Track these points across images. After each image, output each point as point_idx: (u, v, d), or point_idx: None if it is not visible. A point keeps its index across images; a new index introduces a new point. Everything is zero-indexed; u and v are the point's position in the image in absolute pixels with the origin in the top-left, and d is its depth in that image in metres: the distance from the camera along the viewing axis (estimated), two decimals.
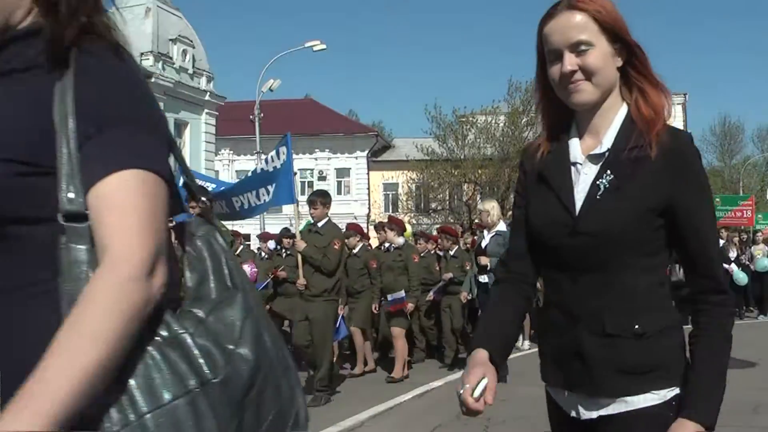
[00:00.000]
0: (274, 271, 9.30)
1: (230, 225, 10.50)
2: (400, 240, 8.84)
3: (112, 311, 1.03)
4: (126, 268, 1.06)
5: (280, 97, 37.38)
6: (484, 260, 7.77)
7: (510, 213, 13.78)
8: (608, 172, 1.72)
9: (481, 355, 1.84)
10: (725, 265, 14.46)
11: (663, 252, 1.77)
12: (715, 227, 1.82)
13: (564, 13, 1.74)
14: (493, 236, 7.82)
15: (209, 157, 31.89)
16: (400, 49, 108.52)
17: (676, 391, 1.71)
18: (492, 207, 8.08)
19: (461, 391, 1.80)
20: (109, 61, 1.21)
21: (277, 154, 7.99)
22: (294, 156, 33.44)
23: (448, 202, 34.88)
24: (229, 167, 42.66)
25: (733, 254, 14.47)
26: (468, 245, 10.52)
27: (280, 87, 28.23)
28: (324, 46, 27.64)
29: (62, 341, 1.02)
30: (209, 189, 9.46)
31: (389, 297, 8.40)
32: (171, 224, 1.24)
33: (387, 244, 9.09)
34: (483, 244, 7.98)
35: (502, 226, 7.91)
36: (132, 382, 1.07)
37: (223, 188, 9.64)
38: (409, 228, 12.31)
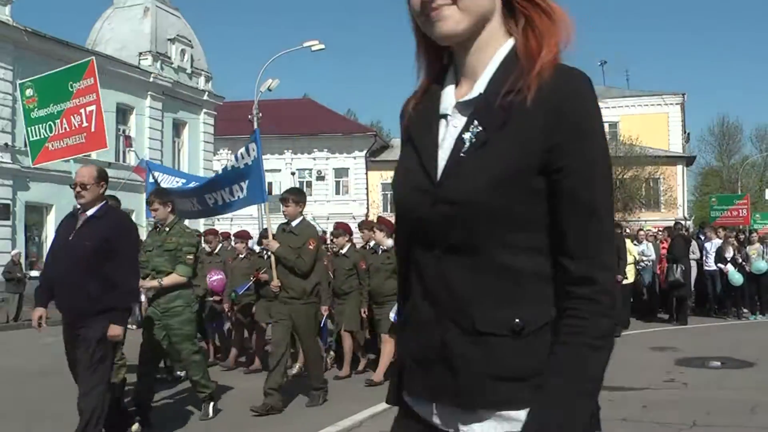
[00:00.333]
0: (256, 273, 8.94)
1: (230, 223, 10.37)
2: (389, 242, 8.45)
3: None
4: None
5: (279, 96, 37.43)
6: None
7: None
8: (475, 122, 1.36)
9: None
10: (721, 266, 14.45)
11: None
12: (607, 197, 1.36)
13: None
14: None
15: (208, 157, 31.89)
16: (399, 48, 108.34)
17: None
18: None
19: None
20: None
21: (247, 150, 7.71)
22: (292, 156, 33.68)
23: None
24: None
25: (729, 254, 14.44)
26: None
27: (278, 87, 28.17)
28: (322, 46, 27.62)
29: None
30: (179, 186, 9.23)
31: (391, 315, 7.84)
32: None
33: (372, 244, 8.76)
34: None
35: None
36: None
37: (193, 185, 9.28)
38: None
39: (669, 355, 9.74)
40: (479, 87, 1.37)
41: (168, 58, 29.23)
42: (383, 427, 6.16)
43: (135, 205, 24.15)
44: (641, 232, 15.35)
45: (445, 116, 1.42)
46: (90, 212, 4.94)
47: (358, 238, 9.88)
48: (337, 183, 43.49)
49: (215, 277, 9.49)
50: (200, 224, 24.68)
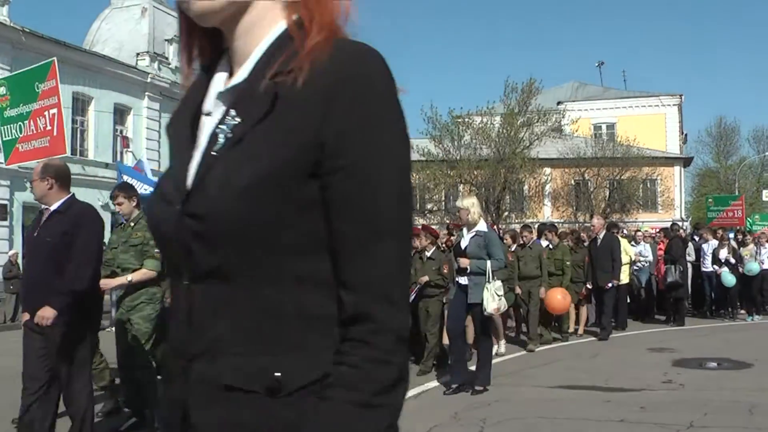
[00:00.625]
0: None
1: None
2: None
3: None
4: None
5: None
6: (464, 262, 7.30)
7: (506, 215, 13.78)
8: (232, 113, 1.09)
9: None
10: (716, 267, 14.41)
11: None
12: (399, 209, 1.05)
13: None
14: (473, 236, 7.37)
15: None
16: (396, 49, 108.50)
17: None
18: (472, 204, 7.48)
19: None
20: None
21: None
22: None
23: (443, 203, 34.85)
24: None
25: (723, 255, 14.43)
26: (444, 245, 9.92)
27: None
28: None
29: None
30: (145, 194, 8.79)
31: None
32: None
33: None
34: (462, 245, 7.49)
35: (482, 226, 7.49)
36: None
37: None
38: None
39: (666, 356, 9.74)
40: (243, 73, 1.12)
41: (165, 58, 29.21)
42: None
43: None
44: (638, 233, 15.35)
45: (209, 113, 1.16)
46: (53, 207, 4.84)
47: None
48: None
49: None
50: None
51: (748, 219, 24.37)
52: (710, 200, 24.31)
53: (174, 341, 1.13)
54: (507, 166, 32.35)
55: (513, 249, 11.00)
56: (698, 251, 15.00)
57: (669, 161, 40.45)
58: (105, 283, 5.59)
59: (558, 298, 10.73)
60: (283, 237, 1.03)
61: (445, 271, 8.70)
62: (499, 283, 7.31)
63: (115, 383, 6.49)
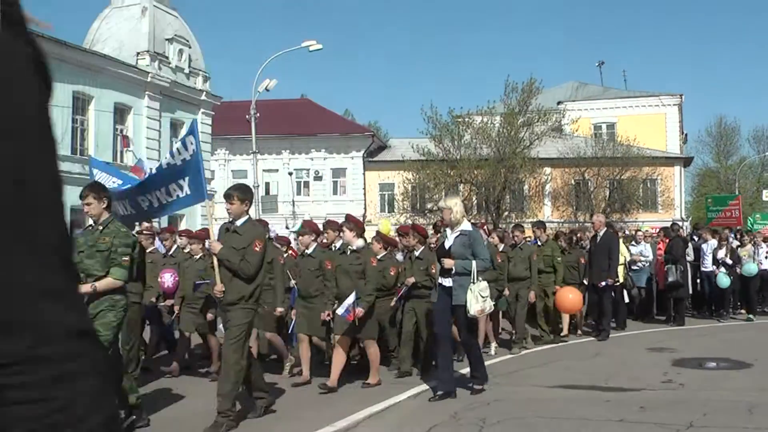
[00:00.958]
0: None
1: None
2: (360, 242, 7.96)
3: None
4: None
5: (277, 97, 37.38)
6: (448, 263, 7.10)
7: (506, 214, 13.78)
8: None
9: None
10: (713, 267, 14.38)
11: None
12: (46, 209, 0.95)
13: None
14: (457, 236, 7.21)
15: (205, 157, 31.65)
16: (397, 49, 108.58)
17: None
18: (455, 204, 7.35)
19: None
20: None
21: (185, 145, 7.06)
22: (290, 156, 33.64)
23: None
24: (225, 167, 42.60)
25: (720, 255, 14.40)
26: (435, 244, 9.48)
27: (276, 87, 28.21)
28: (320, 46, 27.63)
29: None
30: (115, 187, 8.28)
31: (339, 310, 7.48)
32: None
33: (338, 244, 8.18)
34: (447, 245, 7.29)
35: (466, 225, 7.34)
36: None
37: (128, 186, 8.27)
38: (388, 224, 11.48)
39: (666, 355, 9.74)
40: None
41: (166, 58, 29.20)
42: (381, 428, 6.16)
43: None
44: (639, 233, 15.35)
45: None
46: None
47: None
48: (335, 183, 43.49)
49: (167, 278, 8.86)
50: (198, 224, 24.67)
51: (749, 218, 24.35)
52: (710, 200, 24.31)
53: None
54: (507, 165, 32.37)
55: (502, 249, 10.69)
56: (697, 251, 14.99)
57: (669, 161, 40.47)
58: None
59: (569, 297, 10.58)
60: None
61: (433, 271, 8.37)
62: (484, 284, 7.12)
63: None
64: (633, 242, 14.74)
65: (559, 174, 38.19)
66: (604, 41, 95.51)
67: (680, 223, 20.67)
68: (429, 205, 34.74)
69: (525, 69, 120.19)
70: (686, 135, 51.11)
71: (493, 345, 10.07)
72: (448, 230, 7.41)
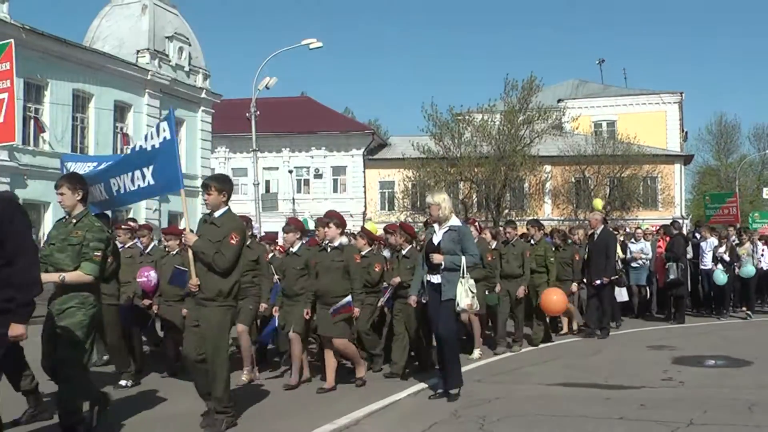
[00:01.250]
0: None
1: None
2: (344, 239, 7.79)
3: None
4: None
5: (277, 94, 37.41)
6: (437, 258, 6.94)
7: (506, 212, 13.64)
8: None
9: None
10: (712, 265, 14.35)
11: None
12: None
13: None
14: (446, 231, 7.07)
15: (205, 155, 31.87)
16: (397, 47, 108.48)
17: None
18: (443, 199, 7.20)
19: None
20: None
21: (157, 130, 6.75)
22: (290, 154, 33.57)
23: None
24: (225, 165, 42.61)
25: (718, 253, 14.37)
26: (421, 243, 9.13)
27: (276, 85, 28.19)
28: (320, 44, 27.61)
29: None
30: (90, 170, 7.79)
31: (332, 308, 7.43)
32: None
33: (326, 242, 7.86)
34: (435, 241, 7.12)
35: (455, 221, 7.17)
36: None
37: (103, 165, 7.68)
38: (374, 227, 11.08)
39: (666, 353, 9.74)
40: None
41: (166, 55, 29.20)
42: (381, 426, 6.16)
43: (133, 204, 24.11)
44: (639, 231, 15.34)
45: None
46: None
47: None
48: (335, 181, 43.51)
49: (144, 278, 8.52)
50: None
51: (749, 216, 24.35)
52: (707, 197, 24.29)
53: None
54: (507, 163, 32.38)
55: (494, 247, 10.44)
56: (696, 248, 14.96)
57: (669, 159, 40.50)
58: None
59: (554, 298, 10.32)
60: None
61: None
62: (472, 281, 7.04)
63: (38, 387, 6.14)
64: (632, 240, 14.73)
65: (559, 172, 38.21)
66: (604, 39, 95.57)
67: (680, 221, 20.67)
68: None
69: (525, 67, 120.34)
70: (686, 133, 51.14)
71: (477, 351, 9.58)
72: (436, 226, 7.26)
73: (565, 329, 11.84)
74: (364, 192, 42.78)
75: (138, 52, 28.15)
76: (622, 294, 13.31)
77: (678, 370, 8.50)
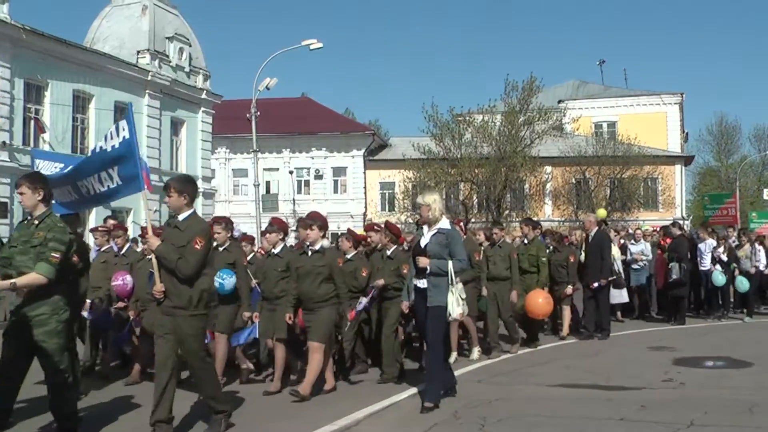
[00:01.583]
0: None
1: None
2: (325, 242, 7.57)
3: None
4: None
5: (277, 95, 37.37)
6: (423, 261, 6.67)
7: (507, 213, 13.41)
8: None
9: None
10: (710, 266, 14.31)
11: None
12: None
13: None
14: (434, 234, 6.78)
15: (205, 156, 31.87)
16: (397, 48, 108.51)
17: None
18: (433, 200, 6.90)
19: None
20: None
21: (117, 130, 6.53)
22: (290, 155, 33.65)
23: (444, 202, 34.89)
24: (225, 166, 42.63)
25: (717, 253, 14.34)
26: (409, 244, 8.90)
27: (276, 85, 28.17)
28: (321, 45, 27.61)
29: None
30: (56, 172, 7.59)
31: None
32: None
33: (308, 245, 7.53)
34: (423, 243, 6.86)
35: (445, 223, 6.87)
36: None
37: (69, 169, 7.42)
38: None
39: (667, 354, 9.73)
40: None
41: (166, 56, 29.20)
42: (381, 427, 6.16)
43: (133, 203, 24.16)
44: (638, 231, 15.32)
45: None
46: None
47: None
48: (335, 182, 43.52)
49: (119, 281, 8.31)
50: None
51: (748, 216, 24.36)
52: (706, 198, 24.33)
53: None
54: (508, 164, 32.37)
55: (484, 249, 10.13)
56: (694, 249, 14.93)
57: (670, 160, 40.47)
58: None
59: (539, 301, 10.11)
60: None
61: (405, 271, 7.92)
62: (461, 285, 6.82)
63: None
64: (632, 241, 14.71)
65: (559, 173, 38.20)
66: (604, 40, 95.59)
67: (681, 222, 20.64)
68: None
69: (526, 67, 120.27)
70: (687, 134, 51.13)
71: (476, 349, 9.53)
72: (425, 228, 7.00)
73: (566, 331, 11.76)
74: (365, 193, 42.79)
75: (138, 52, 28.16)
76: (621, 295, 13.26)
77: (678, 371, 8.50)
